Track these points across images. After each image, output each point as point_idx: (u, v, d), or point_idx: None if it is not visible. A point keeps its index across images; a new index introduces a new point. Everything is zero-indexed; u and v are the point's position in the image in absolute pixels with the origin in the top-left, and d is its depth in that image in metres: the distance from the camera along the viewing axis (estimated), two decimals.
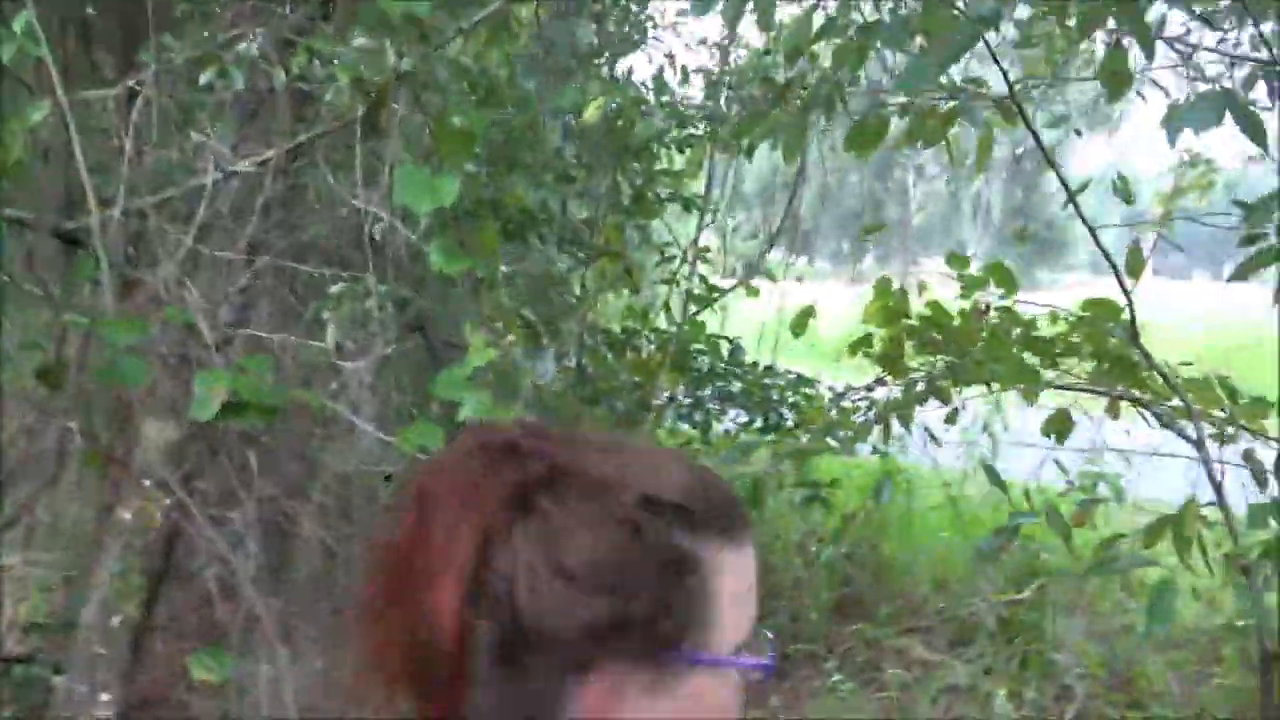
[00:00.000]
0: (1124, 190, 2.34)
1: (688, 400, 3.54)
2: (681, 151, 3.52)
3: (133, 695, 3.36)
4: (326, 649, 1.90)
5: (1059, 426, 2.27)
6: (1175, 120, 1.62)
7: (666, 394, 3.53)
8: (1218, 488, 1.96)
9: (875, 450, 2.96)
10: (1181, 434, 2.05)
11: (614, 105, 3.33)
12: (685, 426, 3.62)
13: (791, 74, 2.51)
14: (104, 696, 3.32)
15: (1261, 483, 1.75)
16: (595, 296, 3.31)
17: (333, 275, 1.95)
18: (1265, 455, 2.02)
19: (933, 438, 2.94)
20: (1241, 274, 1.89)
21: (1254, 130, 1.62)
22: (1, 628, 3.86)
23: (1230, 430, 1.87)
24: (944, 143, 2.51)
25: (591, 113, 2.87)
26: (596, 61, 3.78)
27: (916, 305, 2.68)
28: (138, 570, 3.28)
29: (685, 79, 3.63)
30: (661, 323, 3.77)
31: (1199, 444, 2.01)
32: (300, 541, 1.94)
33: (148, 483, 3.35)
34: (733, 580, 0.76)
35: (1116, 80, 1.88)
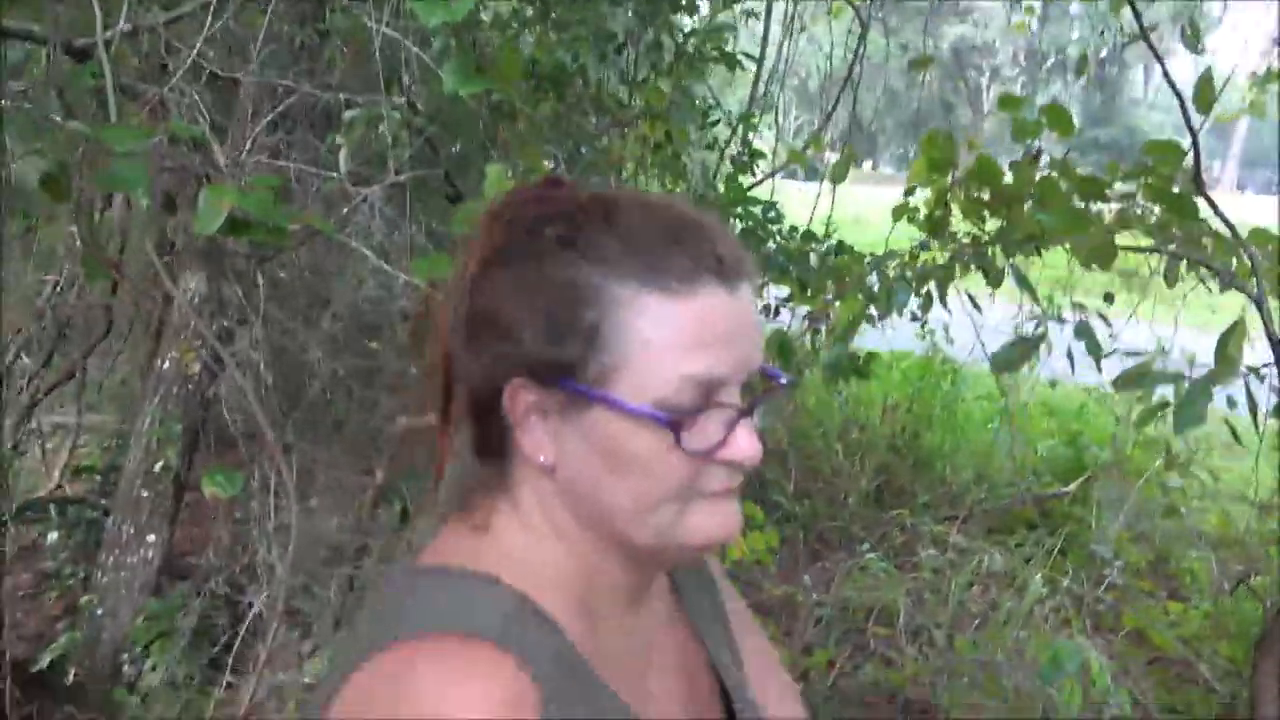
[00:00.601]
0: (1192, 41, 2.15)
1: None
2: (729, 6, 3.33)
3: (177, 538, 3.48)
4: (333, 473, 1.92)
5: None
6: None
7: None
8: (1276, 345, 1.83)
9: (915, 317, 2.84)
10: (1242, 289, 1.91)
11: None
12: None
13: None
14: (150, 538, 3.46)
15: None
16: (629, 154, 3.18)
17: (348, 100, 1.89)
18: None
19: (975, 305, 2.81)
20: None
21: None
22: (55, 473, 4.03)
23: None
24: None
25: None
26: None
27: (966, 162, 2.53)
28: (177, 419, 3.36)
29: None
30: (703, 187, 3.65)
31: (1259, 302, 1.87)
32: (309, 368, 1.94)
33: (185, 335, 3.40)
34: (654, 327, 0.73)
35: None
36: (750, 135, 3.86)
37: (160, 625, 2.51)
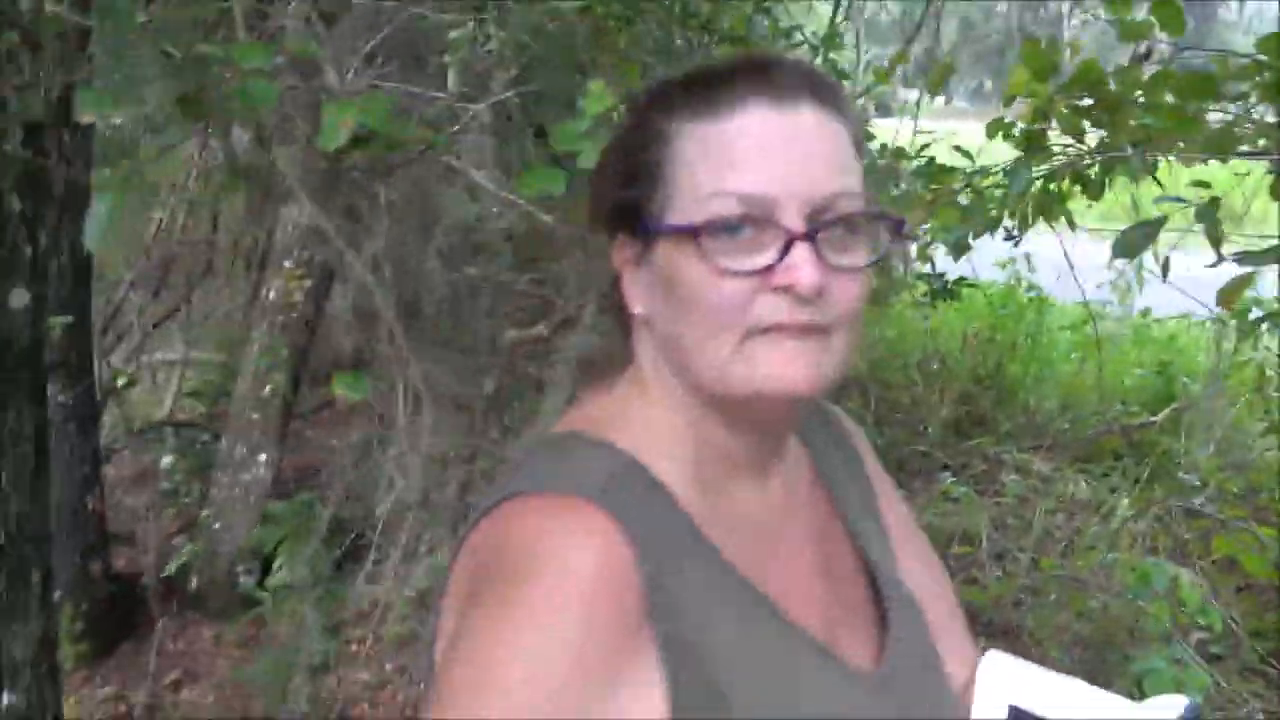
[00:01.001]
0: None
1: None
2: None
3: (283, 463, 3.67)
4: (446, 385, 2.01)
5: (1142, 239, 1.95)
6: None
7: None
8: None
9: (1009, 235, 2.81)
10: None
11: None
12: None
13: None
14: (261, 457, 3.65)
15: None
16: None
17: (452, 20, 1.94)
18: None
19: (1071, 224, 2.76)
20: None
21: None
22: (167, 401, 4.25)
23: None
24: None
25: None
26: None
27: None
28: (283, 345, 3.52)
29: None
30: None
31: None
32: (424, 282, 2.03)
33: (289, 264, 3.54)
34: (697, 149, 0.74)
35: None
36: (835, 58, 3.81)
37: (284, 529, 2.67)
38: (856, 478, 0.95)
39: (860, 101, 4.47)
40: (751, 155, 0.73)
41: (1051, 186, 2.56)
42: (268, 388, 3.49)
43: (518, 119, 1.89)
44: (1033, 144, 2.63)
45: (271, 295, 3.52)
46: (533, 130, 2.03)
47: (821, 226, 0.73)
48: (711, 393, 0.77)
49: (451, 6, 2.28)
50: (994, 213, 2.65)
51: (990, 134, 2.85)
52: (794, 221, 0.72)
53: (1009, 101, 2.49)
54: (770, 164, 0.73)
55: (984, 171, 2.76)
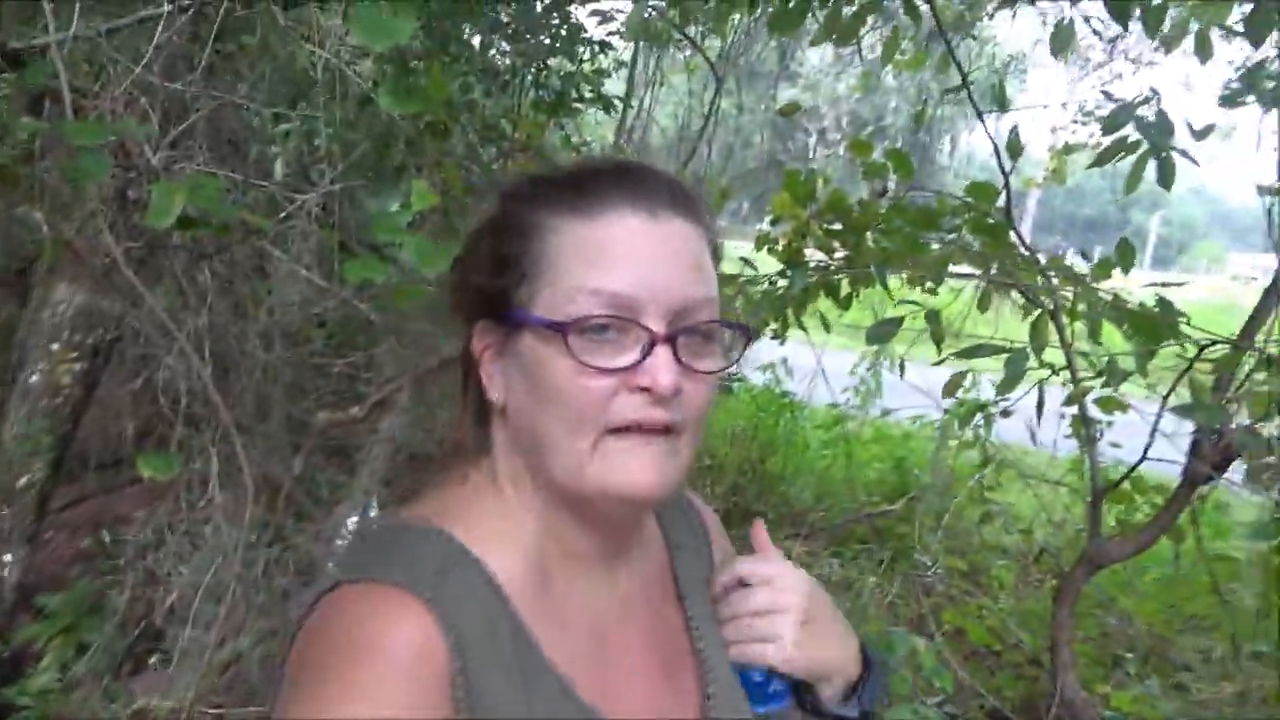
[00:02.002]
0: (1000, 95, 2.60)
1: None
2: (604, 52, 3.65)
3: (37, 559, 3.36)
4: (266, 466, 2.02)
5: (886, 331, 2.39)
6: None
7: None
8: (1066, 346, 2.26)
9: (775, 335, 3.18)
10: (1038, 303, 2.34)
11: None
12: None
13: None
14: (6, 557, 3.33)
15: (1095, 335, 2.04)
16: None
17: (279, 114, 2.03)
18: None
19: (826, 326, 3.19)
20: (1100, 162, 2.18)
21: None
22: None
23: (1079, 290, 2.16)
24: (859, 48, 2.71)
25: None
26: None
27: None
28: (45, 431, 3.28)
29: None
30: None
31: (1054, 313, 2.30)
32: (242, 362, 2.04)
33: (56, 346, 3.33)
34: (567, 246, 0.77)
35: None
36: None
37: (62, 621, 2.48)
38: (702, 561, 0.97)
39: None
40: (622, 259, 0.75)
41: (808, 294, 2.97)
42: (23, 479, 3.22)
43: (340, 211, 1.99)
44: (793, 258, 3.05)
45: (34, 379, 3.29)
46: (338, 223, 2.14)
47: (682, 331, 0.76)
48: (565, 488, 0.78)
49: (268, 101, 2.37)
50: (763, 316, 3.02)
51: (758, 247, 3.25)
52: (657, 324, 0.75)
53: (775, 221, 2.90)
54: (638, 269, 0.75)
55: (754, 280, 3.14)
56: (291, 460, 2.05)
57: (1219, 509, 4.28)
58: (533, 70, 3.62)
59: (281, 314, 2.09)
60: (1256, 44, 1.92)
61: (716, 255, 0.84)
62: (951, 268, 2.54)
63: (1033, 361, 2.11)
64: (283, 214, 1.88)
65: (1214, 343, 1.99)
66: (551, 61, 3.83)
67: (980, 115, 2.39)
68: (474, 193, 3.07)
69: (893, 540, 5.27)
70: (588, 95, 3.66)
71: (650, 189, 0.79)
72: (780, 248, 3.06)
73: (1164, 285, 2.00)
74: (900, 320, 2.19)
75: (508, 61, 3.71)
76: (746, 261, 2.91)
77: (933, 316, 2.26)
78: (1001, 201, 2.37)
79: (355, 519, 2.18)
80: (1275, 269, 2.24)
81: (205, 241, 1.90)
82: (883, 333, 2.15)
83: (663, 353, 0.75)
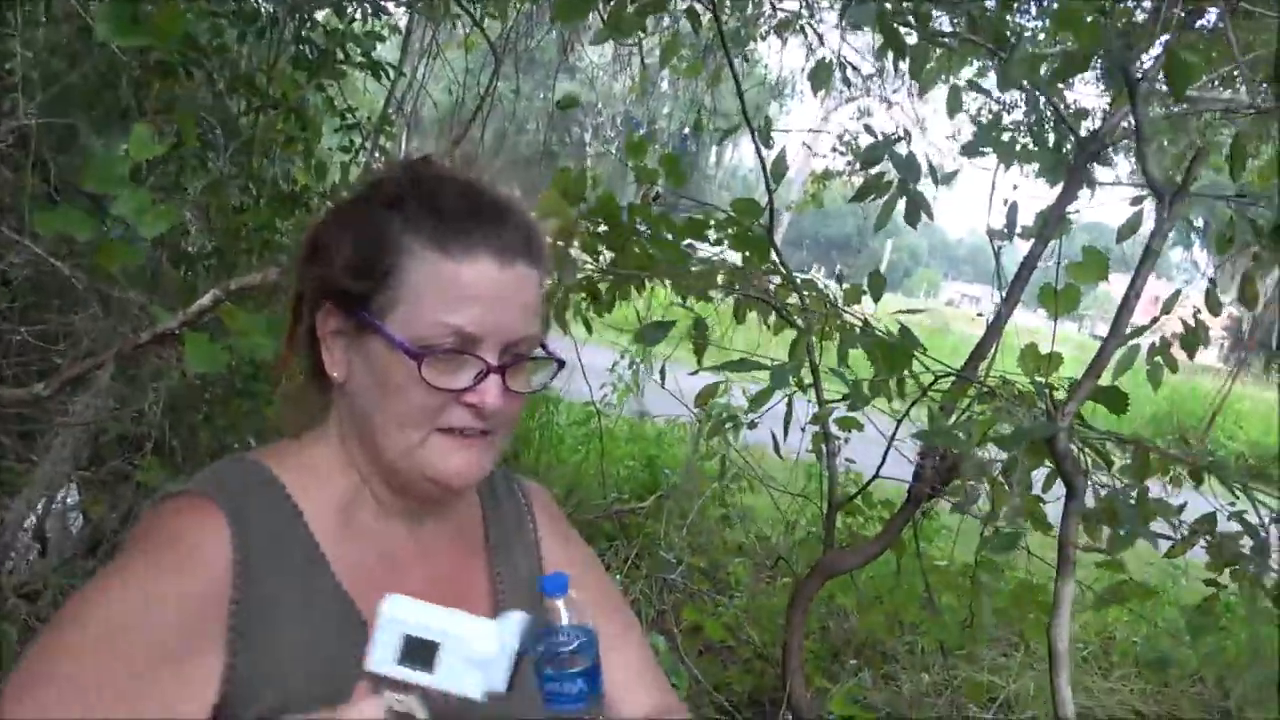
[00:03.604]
0: (764, 134, 2.67)
1: None
2: (378, 15, 3.41)
3: None
4: None
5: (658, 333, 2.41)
6: None
7: None
8: (814, 368, 2.35)
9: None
10: (794, 324, 2.42)
11: None
12: None
13: None
14: None
15: (843, 360, 2.13)
16: (263, 145, 3.11)
17: None
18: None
19: (587, 328, 3.15)
20: (860, 196, 2.28)
21: None
22: None
23: (827, 314, 2.25)
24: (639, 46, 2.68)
25: None
26: None
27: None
28: None
29: None
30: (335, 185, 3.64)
31: (806, 330, 2.38)
32: None
33: None
34: (428, 280, 0.89)
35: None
36: (386, 143, 3.93)
37: None
38: (522, 531, 1.11)
39: None
40: (473, 300, 0.88)
41: (571, 296, 2.91)
42: None
43: (36, 152, 1.67)
44: (558, 258, 2.97)
45: None
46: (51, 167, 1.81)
47: (511, 362, 0.91)
48: (391, 466, 0.93)
49: None
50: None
51: None
52: (491, 356, 0.89)
53: (541, 216, 2.81)
54: (484, 310, 0.89)
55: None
56: None
57: (930, 536, 4.68)
58: (294, 22, 3.31)
59: None
60: (1005, 87, 2.08)
61: (544, 290, 0.97)
62: (714, 283, 2.56)
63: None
64: None
65: (946, 375, 2.13)
66: (319, 15, 3.53)
67: (754, 132, 2.44)
68: (213, 148, 2.76)
69: (640, 538, 5.36)
70: (356, 58, 3.40)
71: (508, 237, 0.91)
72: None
73: (908, 312, 2.13)
74: (672, 324, 2.19)
75: (269, 8, 3.38)
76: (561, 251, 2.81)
77: (699, 326, 2.27)
78: (765, 219, 2.42)
79: (39, 512, 1.86)
80: (996, 306, 2.44)
81: None
82: (654, 335, 2.14)
83: (493, 380, 0.89)
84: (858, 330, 2.10)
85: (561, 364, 1.00)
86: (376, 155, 3.89)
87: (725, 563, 5.40)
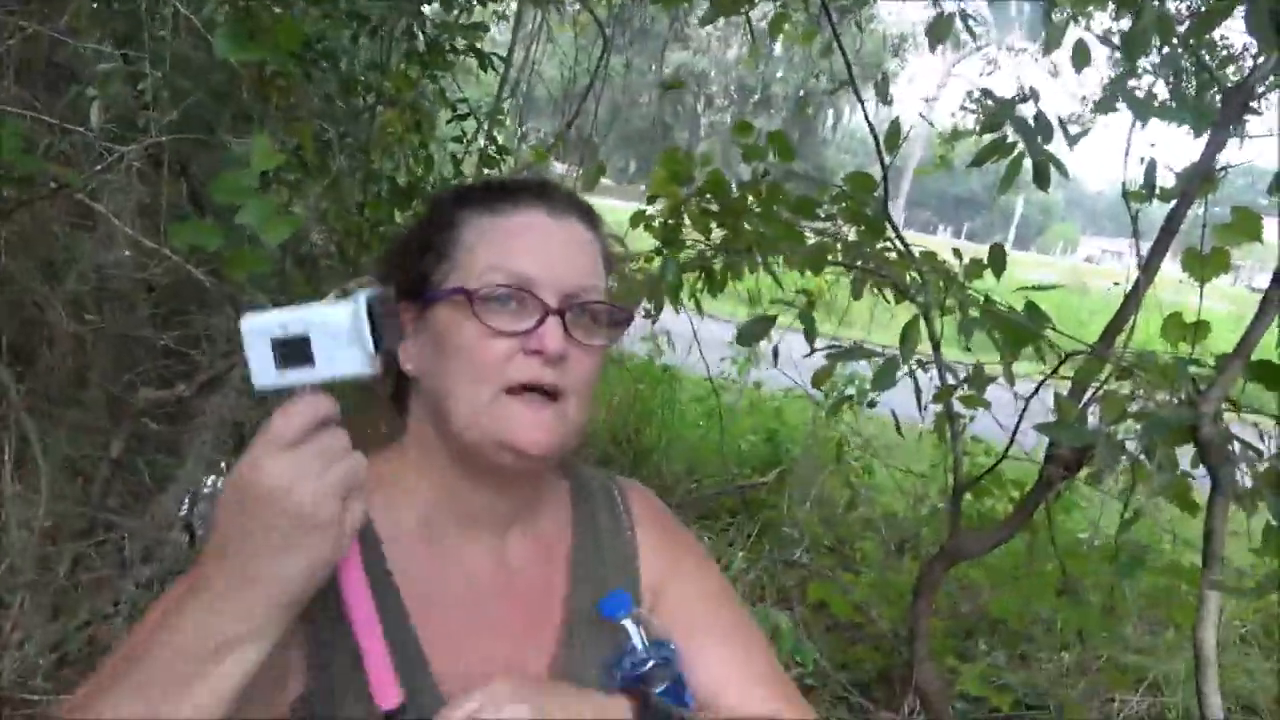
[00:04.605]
0: (883, 89, 2.57)
1: None
2: (484, 3, 3.45)
3: None
4: (72, 440, 1.81)
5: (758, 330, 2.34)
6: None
7: None
8: (936, 345, 2.26)
9: (647, 314, 3.09)
10: (913, 299, 2.33)
11: None
12: None
13: None
14: None
15: (967, 338, 2.03)
16: (382, 141, 3.21)
17: (101, 50, 1.78)
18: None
19: (700, 310, 3.12)
20: (979, 161, 2.17)
21: None
22: None
23: (952, 288, 2.15)
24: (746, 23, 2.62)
25: None
26: None
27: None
28: None
29: None
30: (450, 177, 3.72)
31: (926, 309, 2.29)
32: (49, 331, 1.80)
33: None
34: (477, 235, 0.93)
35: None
36: (497, 132, 4.00)
37: None
38: (618, 540, 1.07)
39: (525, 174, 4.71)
40: (524, 244, 0.91)
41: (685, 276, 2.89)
42: None
43: (170, 166, 1.77)
44: (669, 237, 2.96)
45: None
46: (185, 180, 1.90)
47: (570, 308, 0.90)
48: (463, 440, 0.90)
49: (95, 34, 2.10)
50: (637, 295, 2.93)
51: (633, 224, 3.15)
52: (550, 299, 0.89)
53: (651, 199, 2.80)
54: (536, 254, 0.91)
55: (630, 257, 3.04)
56: (109, 443, 1.84)
57: (1066, 508, 4.46)
58: (404, 19, 3.38)
59: (100, 278, 1.86)
60: (1131, 60, 1.93)
61: (609, 262, 0.99)
62: (829, 259, 2.49)
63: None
64: (99, 165, 1.66)
65: (1075, 353, 2.00)
66: (427, 10, 3.59)
67: (863, 105, 2.34)
68: (331, 150, 2.85)
69: (762, 514, 5.32)
70: (462, 48, 3.45)
71: (553, 196, 0.96)
72: (657, 225, 2.97)
73: (1037, 288, 2.01)
74: (772, 320, 2.14)
75: (380, 6, 3.46)
76: (619, 240, 2.80)
77: (806, 317, 2.22)
78: (881, 191, 2.33)
79: (186, 504, 1.99)
80: (1135, 277, 2.28)
81: (4, 195, 1.66)
82: (754, 332, 2.09)
83: (554, 322, 0.89)
84: (977, 309, 2.00)
85: (629, 317, 0.99)
86: (489, 144, 3.95)
87: (851, 539, 5.31)
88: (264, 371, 0.76)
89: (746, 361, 6.89)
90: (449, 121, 3.79)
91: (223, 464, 2.20)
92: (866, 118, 2.38)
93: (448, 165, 3.66)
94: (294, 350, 0.76)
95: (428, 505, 0.95)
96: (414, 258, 0.95)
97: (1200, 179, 2.07)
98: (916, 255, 2.31)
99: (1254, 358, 1.75)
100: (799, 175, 2.32)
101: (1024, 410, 2.03)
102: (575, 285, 0.91)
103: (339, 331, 0.76)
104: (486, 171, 3.79)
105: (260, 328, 0.76)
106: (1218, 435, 1.60)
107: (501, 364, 0.88)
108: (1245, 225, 1.66)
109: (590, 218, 0.98)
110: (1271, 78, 2.12)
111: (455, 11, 3.45)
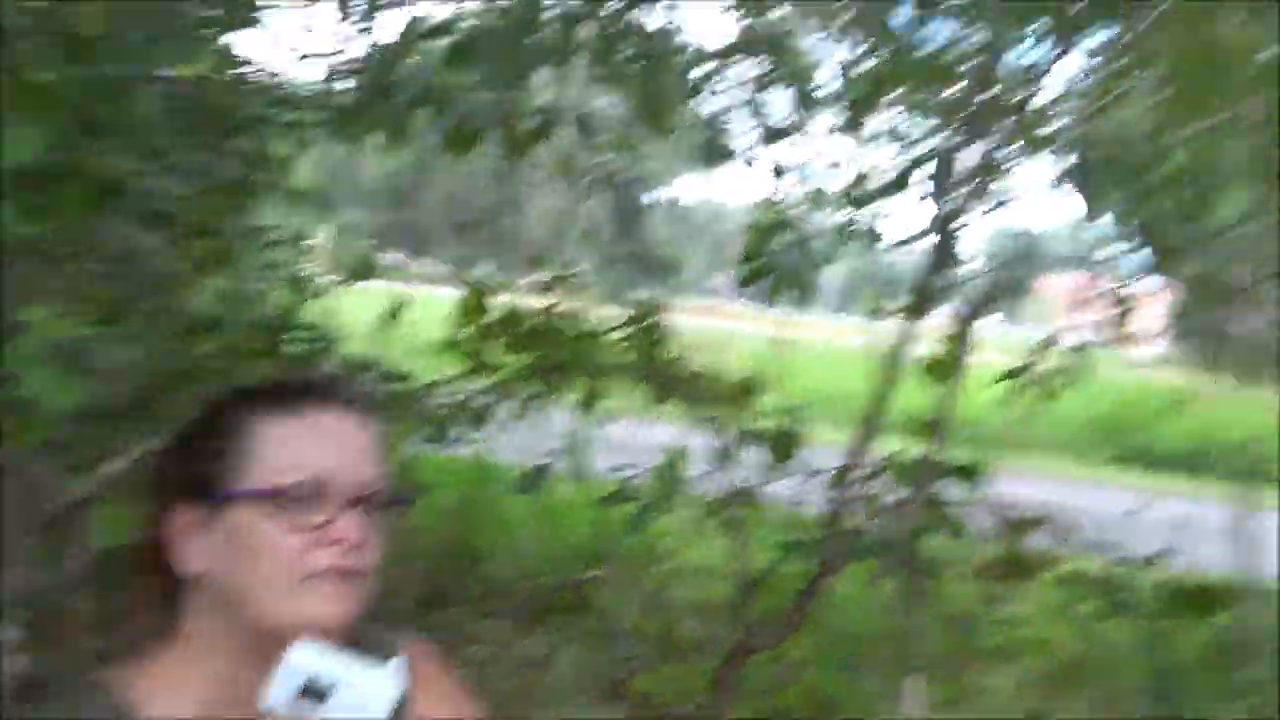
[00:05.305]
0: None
1: None
2: (288, 135, 3.52)
3: None
4: None
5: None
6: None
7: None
8: (725, 451, 2.50)
9: (459, 439, 3.24)
10: (702, 423, 2.58)
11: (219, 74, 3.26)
12: None
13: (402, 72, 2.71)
14: None
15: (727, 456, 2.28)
16: (185, 276, 3.20)
17: None
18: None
19: (508, 434, 3.30)
20: (746, 283, 2.47)
21: None
22: None
23: (733, 414, 2.42)
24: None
25: (188, 70, 2.81)
26: (206, 31, 3.63)
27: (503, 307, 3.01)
28: None
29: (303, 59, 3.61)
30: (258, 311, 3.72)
31: (715, 427, 2.54)
32: None
33: None
34: (282, 436, 1.00)
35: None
36: (302, 258, 4.03)
37: None
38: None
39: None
40: (318, 442, 1.00)
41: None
42: None
43: None
44: (477, 366, 3.13)
45: None
46: None
47: (363, 500, 1.00)
48: (262, 627, 0.96)
49: None
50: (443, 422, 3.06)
51: (441, 351, 3.30)
52: (346, 494, 0.99)
53: (460, 327, 2.97)
54: (331, 451, 1.00)
55: (436, 384, 3.18)
56: None
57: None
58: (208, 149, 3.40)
59: None
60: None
61: (383, 445, 1.08)
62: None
63: None
64: None
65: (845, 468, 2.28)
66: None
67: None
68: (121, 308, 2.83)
69: (591, 610, 5.41)
70: (270, 181, 3.51)
71: (342, 392, 1.05)
72: (463, 352, 3.13)
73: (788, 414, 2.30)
74: (546, 468, 2.31)
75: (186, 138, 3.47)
76: (400, 377, 2.98)
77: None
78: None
79: None
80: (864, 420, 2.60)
81: None
82: (532, 481, 2.27)
83: (352, 514, 0.98)
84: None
85: (410, 502, 1.11)
86: (301, 269, 3.99)
87: (678, 626, 5.47)
88: (280, 697, 0.86)
89: (573, 451, 7.00)
90: (259, 250, 3.81)
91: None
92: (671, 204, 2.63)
93: (259, 298, 3.68)
94: (316, 691, 0.86)
95: (209, 695, 0.99)
96: (202, 459, 1.01)
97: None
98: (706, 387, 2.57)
99: None
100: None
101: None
102: (367, 477, 1.01)
103: (366, 701, 0.86)
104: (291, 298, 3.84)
105: (302, 668, 0.87)
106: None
107: (303, 556, 0.96)
108: (940, 369, 1.99)
109: (371, 409, 1.07)
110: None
111: (264, 146, 3.51)
